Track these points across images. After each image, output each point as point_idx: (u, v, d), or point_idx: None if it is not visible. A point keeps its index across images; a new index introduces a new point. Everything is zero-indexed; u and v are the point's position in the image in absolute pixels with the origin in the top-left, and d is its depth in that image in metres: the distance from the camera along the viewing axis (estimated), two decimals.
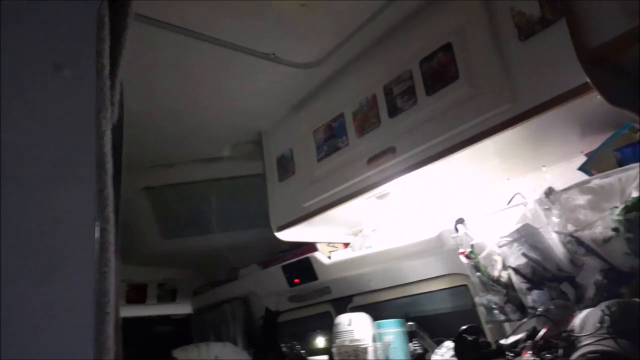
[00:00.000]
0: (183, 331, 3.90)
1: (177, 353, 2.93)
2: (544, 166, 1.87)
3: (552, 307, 1.61)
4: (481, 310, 1.93)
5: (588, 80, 1.23)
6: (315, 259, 2.77)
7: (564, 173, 1.82)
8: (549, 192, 1.68)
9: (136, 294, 3.69)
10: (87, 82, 0.62)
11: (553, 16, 1.46)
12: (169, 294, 3.89)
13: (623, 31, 1.13)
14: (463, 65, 1.68)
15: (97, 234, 0.65)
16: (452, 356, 1.87)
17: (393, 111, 1.93)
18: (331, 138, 2.25)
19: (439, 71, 1.75)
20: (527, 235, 1.71)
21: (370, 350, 2.26)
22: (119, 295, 0.83)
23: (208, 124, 2.59)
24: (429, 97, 1.78)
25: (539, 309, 1.63)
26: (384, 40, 2.00)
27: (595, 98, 1.27)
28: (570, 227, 1.59)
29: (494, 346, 1.70)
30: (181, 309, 3.92)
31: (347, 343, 2.35)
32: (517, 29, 1.55)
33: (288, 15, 1.84)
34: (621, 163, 1.57)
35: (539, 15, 1.49)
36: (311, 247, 2.81)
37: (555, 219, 1.63)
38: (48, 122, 0.58)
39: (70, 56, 0.62)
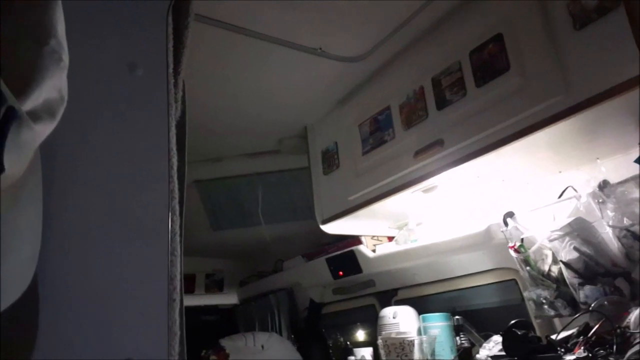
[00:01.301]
0: (229, 321, 3.99)
1: (224, 342, 3.01)
2: (598, 158, 1.82)
3: (605, 303, 1.57)
4: (530, 305, 1.90)
5: None
6: (360, 251, 2.78)
7: (620, 165, 1.76)
8: (604, 185, 1.64)
9: (185, 283, 3.80)
10: (157, 80, 0.66)
11: (611, 4, 1.41)
12: (216, 285, 4.00)
13: None
14: (514, 56, 1.65)
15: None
16: (500, 350, 1.86)
17: (441, 103, 1.92)
18: (377, 131, 2.25)
19: (489, 62, 1.73)
20: (579, 229, 1.68)
21: (416, 343, 2.26)
22: (183, 283, 0.87)
23: (254, 120, 2.64)
24: (479, 89, 1.76)
25: (592, 305, 1.60)
26: (432, 32, 1.99)
27: None
28: (626, 221, 1.54)
29: (544, 341, 1.68)
30: (228, 299, 4.02)
31: (393, 335, 2.36)
32: (572, 17, 1.51)
33: (334, 9, 1.85)
34: None
35: (595, 3, 1.45)
36: (355, 240, 2.82)
37: (610, 213, 1.59)
38: (126, 120, 0.62)
39: (143, 57, 0.66)
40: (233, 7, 1.81)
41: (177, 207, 0.79)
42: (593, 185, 1.66)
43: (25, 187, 0.46)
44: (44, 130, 0.43)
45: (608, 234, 1.61)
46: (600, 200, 1.61)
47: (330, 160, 2.55)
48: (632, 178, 1.57)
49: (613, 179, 1.72)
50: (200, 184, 3.13)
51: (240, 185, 3.17)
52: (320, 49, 2.10)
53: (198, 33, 1.87)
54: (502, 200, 2.11)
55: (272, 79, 2.28)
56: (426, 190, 2.13)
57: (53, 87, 0.44)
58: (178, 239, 0.80)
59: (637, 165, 1.66)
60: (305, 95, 2.44)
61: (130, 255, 0.64)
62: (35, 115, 0.42)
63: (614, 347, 1.39)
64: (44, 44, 0.44)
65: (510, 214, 1.95)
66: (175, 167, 0.80)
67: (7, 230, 0.42)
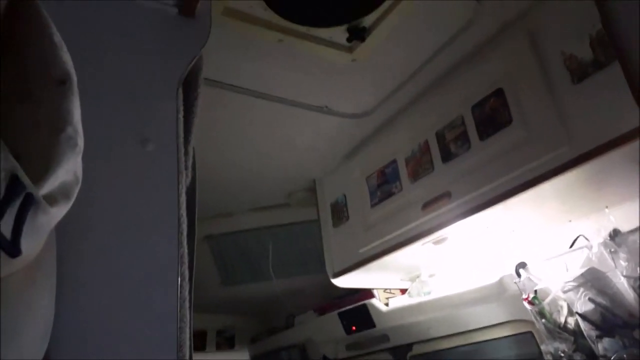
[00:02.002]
0: None
1: None
2: (606, 207, 1.81)
3: (625, 356, 1.53)
4: (548, 359, 1.85)
5: None
6: (372, 305, 2.75)
7: (629, 213, 1.75)
8: (615, 234, 1.63)
9: (196, 340, 3.75)
10: (168, 152, 0.69)
11: (606, 58, 1.45)
12: (227, 341, 3.93)
13: None
14: (516, 110, 1.69)
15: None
16: None
17: (446, 156, 1.94)
18: (384, 184, 2.28)
19: (491, 116, 1.77)
20: (593, 280, 1.65)
21: None
22: (192, 349, 0.87)
23: (264, 175, 2.68)
24: (483, 142, 1.79)
25: (611, 358, 1.55)
26: (433, 88, 2.05)
27: None
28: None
29: None
30: (239, 355, 3.94)
31: None
32: (570, 72, 1.55)
33: (339, 71, 1.92)
34: None
35: (591, 58, 1.49)
36: (368, 293, 2.79)
37: (623, 262, 1.57)
38: (137, 192, 0.65)
39: (154, 131, 0.70)
40: (241, 71, 1.89)
41: (186, 273, 0.80)
42: (604, 234, 1.65)
43: (40, 266, 0.48)
44: (59, 212, 0.45)
45: (623, 284, 1.58)
46: (613, 250, 1.60)
47: (339, 212, 2.57)
48: None
49: (624, 227, 1.71)
50: (211, 239, 3.15)
51: (250, 240, 3.18)
52: (326, 107, 2.17)
53: (207, 95, 1.93)
54: (514, 251, 2.10)
55: (280, 136, 2.34)
56: (437, 242, 2.12)
57: (68, 170, 0.47)
58: (187, 304, 0.80)
59: None
60: (313, 150, 2.49)
61: (138, 324, 0.66)
62: (52, 199, 0.44)
63: None
64: (61, 131, 0.47)
65: (522, 265, 1.94)
66: (185, 233, 0.82)
67: (22, 309, 0.44)
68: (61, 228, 0.54)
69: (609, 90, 1.42)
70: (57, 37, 0.52)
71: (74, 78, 0.51)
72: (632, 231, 1.58)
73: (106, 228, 0.61)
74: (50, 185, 0.44)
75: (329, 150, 2.51)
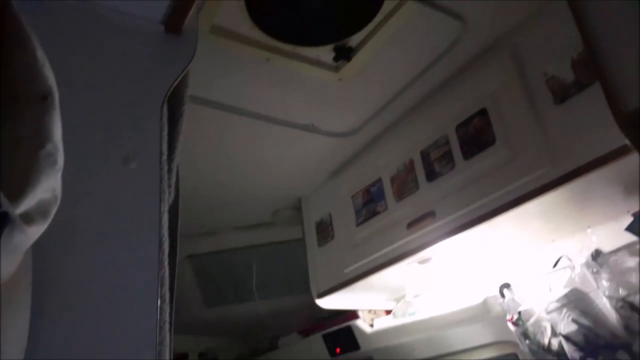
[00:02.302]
0: None
1: None
2: (589, 227, 1.83)
3: None
4: None
5: (628, 142, 1.24)
6: (357, 327, 2.72)
7: (613, 233, 1.77)
8: (597, 254, 1.65)
9: None
10: (151, 171, 0.68)
11: (587, 80, 1.48)
12: None
13: None
14: (499, 130, 1.71)
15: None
16: None
17: (431, 175, 1.95)
18: (370, 202, 2.28)
19: (475, 136, 1.78)
20: (576, 301, 1.66)
21: None
22: None
23: (249, 193, 2.66)
24: (467, 161, 1.80)
25: None
26: (418, 107, 2.06)
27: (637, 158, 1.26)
28: (622, 291, 1.53)
29: None
30: None
31: None
32: (552, 92, 1.58)
33: (325, 90, 1.93)
34: None
35: (573, 79, 1.52)
36: (352, 314, 2.76)
37: (605, 283, 1.58)
38: (118, 210, 0.64)
39: (137, 149, 0.68)
40: (227, 88, 1.88)
41: (167, 295, 0.78)
42: (586, 254, 1.66)
43: (16, 286, 0.46)
44: (36, 231, 0.44)
45: (605, 305, 1.59)
46: (595, 270, 1.61)
47: (324, 231, 2.55)
48: (625, 247, 1.57)
49: (607, 247, 1.72)
50: (194, 258, 3.10)
51: (234, 259, 3.14)
52: (312, 125, 2.17)
53: (192, 113, 1.92)
54: (498, 271, 2.10)
55: (265, 154, 2.33)
56: (422, 262, 2.12)
57: (47, 188, 0.45)
58: (167, 327, 0.78)
59: (629, 233, 1.67)
60: (299, 168, 2.49)
61: (115, 346, 0.63)
62: (29, 218, 0.43)
63: None
64: (41, 148, 0.46)
65: (506, 285, 1.94)
66: (166, 252, 0.80)
67: None
68: (39, 247, 0.52)
69: (591, 111, 1.45)
70: (40, 53, 0.51)
71: (56, 94, 0.50)
72: (613, 252, 1.60)
73: (85, 247, 0.59)
74: (27, 203, 0.43)
75: (315, 168, 2.50)
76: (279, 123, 2.09)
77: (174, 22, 0.79)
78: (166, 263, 0.80)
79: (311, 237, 2.61)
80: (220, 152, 2.26)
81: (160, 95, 0.77)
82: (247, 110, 2.00)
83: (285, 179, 2.58)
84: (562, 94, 1.54)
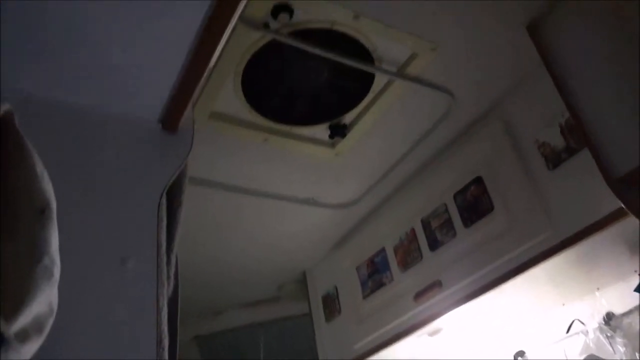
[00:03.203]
0: None
1: None
2: (597, 289, 1.80)
3: None
4: None
5: (622, 205, 1.25)
6: None
7: (622, 294, 1.74)
8: (609, 317, 1.61)
9: None
10: (148, 268, 0.69)
11: (577, 145, 1.51)
12: None
13: None
14: (496, 197, 1.72)
15: None
16: None
17: (434, 244, 1.95)
18: (375, 273, 2.26)
19: (474, 203, 1.80)
20: None
21: None
22: None
23: (253, 269, 2.64)
24: (467, 229, 1.81)
25: None
26: (416, 177, 2.09)
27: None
28: (638, 355, 1.48)
29: None
30: None
31: None
32: (545, 158, 1.61)
33: (323, 164, 1.97)
34: None
35: (563, 145, 1.56)
36: None
37: (621, 348, 1.53)
38: (115, 310, 0.64)
39: (134, 247, 0.70)
40: (228, 169, 1.93)
41: None
42: (598, 318, 1.62)
43: None
44: (31, 349, 0.44)
45: None
46: (609, 335, 1.57)
47: (331, 305, 2.51)
48: (637, 308, 1.54)
49: (618, 308, 1.69)
50: (200, 339, 3.03)
51: (241, 338, 3.06)
52: (313, 198, 2.19)
53: (194, 194, 1.96)
54: (511, 337, 2.04)
55: (268, 229, 2.34)
56: (432, 334, 2.06)
57: (43, 302, 0.46)
58: None
59: (638, 294, 1.64)
60: (302, 241, 2.48)
61: None
62: (24, 335, 0.44)
63: None
64: (38, 262, 0.47)
65: (521, 354, 1.88)
66: (166, 349, 0.79)
67: None
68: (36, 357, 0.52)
69: (584, 175, 1.46)
70: (40, 168, 0.54)
71: (53, 206, 0.52)
72: (626, 313, 1.56)
73: (81, 351, 0.59)
74: (23, 320, 0.44)
75: (318, 240, 2.50)
76: (279, 198, 2.12)
77: (170, 120, 0.83)
78: (166, 358, 0.79)
79: (318, 313, 2.56)
80: (222, 230, 2.28)
81: (158, 191, 0.79)
82: (247, 188, 2.03)
83: (288, 253, 2.57)
84: (554, 159, 1.57)
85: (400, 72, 1.61)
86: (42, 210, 0.51)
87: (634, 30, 1.20)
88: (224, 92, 1.59)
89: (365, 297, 2.27)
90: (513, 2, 1.44)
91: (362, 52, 1.53)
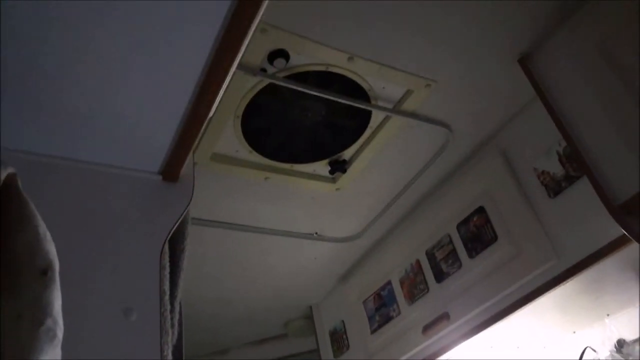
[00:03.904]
0: None
1: None
2: (607, 315, 1.78)
3: None
4: None
5: (624, 232, 1.25)
6: None
7: (632, 320, 1.72)
8: (620, 344, 1.59)
9: None
10: (152, 320, 0.70)
11: (576, 172, 1.52)
12: None
13: None
14: (499, 226, 1.72)
15: None
16: None
17: (440, 276, 1.94)
18: (382, 307, 2.24)
19: (477, 234, 1.79)
20: None
21: None
22: None
23: (259, 306, 2.62)
24: (472, 260, 1.80)
25: None
26: (418, 209, 2.10)
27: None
28: None
29: None
30: None
31: None
32: (545, 187, 1.61)
33: (325, 199, 1.98)
34: None
35: (563, 173, 1.56)
36: None
37: None
38: None
39: (138, 298, 0.70)
40: (231, 208, 1.94)
41: None
42: (609, 345, 1.60)
43: None
44: None
45: None
46: None
47: (339, 341, 2.48)
48: None
49: (628, 334, 1.66)
50: None
51: None
52: (316, 233, 2.20)
53: (197, 234, 1.97)
54: None
55: (272, 266, 2.33)
56: None
57: None
58: None
59: None
60: (307, 276, 2.47)
61: None
62: None
63: None
64: (40, 324, 0.48)
65: None
66: None
67: None
68: None
69: (586, 202, 1.46)
70: (42, 228, 0.55)
71: (56, 267, 0.53)
72: (637, 340, 1.54)
73: None
74: None
75: (323, 274, 2.49)
76: (283, 235, 2.13)
77: (170, 171, 0.85)
78: None
79: (326, 349, 2.53)
80: (227, 268, 2.27)
81: (160, 240, 0.80)
82: (250, 226, 2.04)
83: (294, 289, 2.56)
84: (555, 187, 1.57)
85: (397, 108, 1.64)
86: (45, 272, 0.52)
87: (621, 62, 1.22)
88: (225, 135, 1.61)
89: (373, 331, 2.24)
90: (504, 37, 1.47)
91: (358, 90, 1.56)
